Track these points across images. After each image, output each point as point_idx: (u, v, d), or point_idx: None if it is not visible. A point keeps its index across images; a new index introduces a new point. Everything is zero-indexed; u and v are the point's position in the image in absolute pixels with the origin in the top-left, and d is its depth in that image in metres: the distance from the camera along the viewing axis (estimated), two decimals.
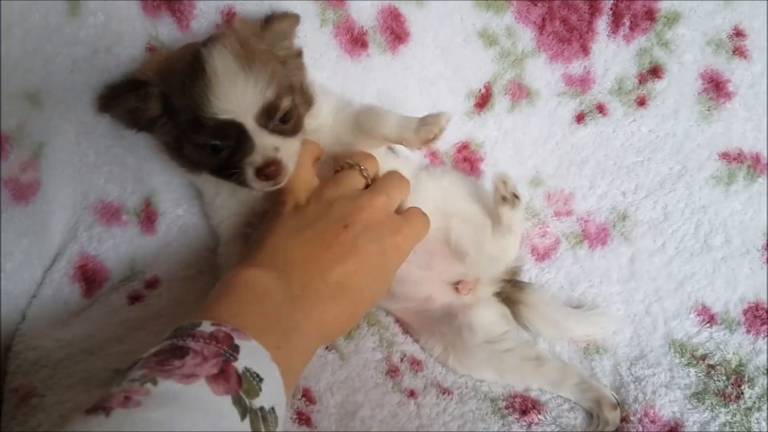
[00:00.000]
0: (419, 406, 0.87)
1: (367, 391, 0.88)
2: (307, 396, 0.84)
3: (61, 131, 0.82)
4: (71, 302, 0.87)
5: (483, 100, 1.05)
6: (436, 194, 0.97)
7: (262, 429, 0.54)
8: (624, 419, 0.87)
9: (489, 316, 0.95)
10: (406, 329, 0.98)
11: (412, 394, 0.89)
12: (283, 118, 0.79)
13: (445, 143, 1.07)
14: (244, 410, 0.52)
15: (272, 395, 0.56)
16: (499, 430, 0.85)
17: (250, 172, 0.77)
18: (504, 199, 0.93)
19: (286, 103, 0.78)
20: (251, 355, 0.56)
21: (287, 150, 0.78)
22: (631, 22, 1.02)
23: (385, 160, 0.93)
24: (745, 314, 0.97)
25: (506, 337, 0.94)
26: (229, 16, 0.92)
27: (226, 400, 0.52)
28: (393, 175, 0.85)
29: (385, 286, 0.79)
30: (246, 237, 0.90)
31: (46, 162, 0.81)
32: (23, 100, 0.77)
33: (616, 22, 1.03)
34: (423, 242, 0.89)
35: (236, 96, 0.74)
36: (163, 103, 0.78)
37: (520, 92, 1.06)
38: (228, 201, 0.91)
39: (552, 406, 0.90)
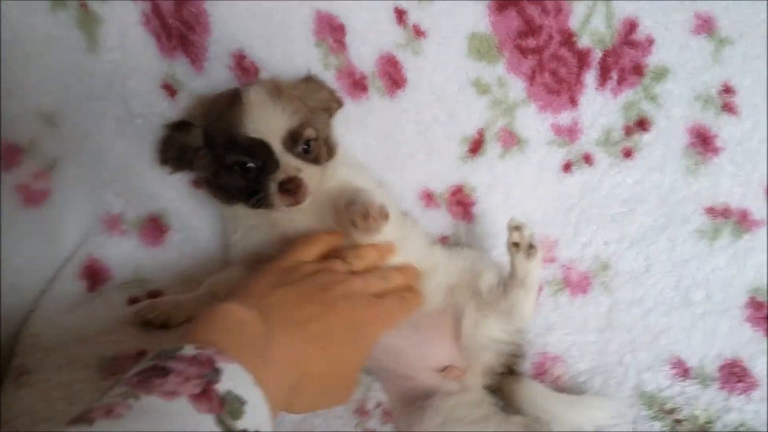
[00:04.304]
0: None
1: (327, 419, 0.91)
2: None
3: (75, 151, 0.94)
4: (76, 295, 0.98)
5: (476, 146, 1.09)
6: (448, 270, 1.00)
7: None
8: None
9: (464, 403, 0.92)
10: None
11: None
12: (306, 147, 0.90)
13: (441, 186, 1.11)
14: (228, 431, 0.53)
15: (256, 418, 0.56)
16: None
17: (273, 187, 0.87)
18: (516, 245, 0.89)
19: (309, 132, 0.90)
20: (234, 378, 0.57)
21: (308, 173, 0.88)
22: (619, 76, 1.04)
23: (402, 227, 1.01)
24: (721, 370, 0.95)
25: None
26: (239, 59, 1.03)
27: (209, 419, 0.52)
28: (380, 271, 0.90)
29: (361, 354, 0.79)
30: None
31: (58, 175, 0.93)
32: (38, 118, 0.89)
33: (603, 76, 1.05)
34: (429, 317, 0.94)
35: (265, 119, 0.87)
36: (204, 135, 0.91)
37: (511, 140, 1.09)
38: (243, 239, 1.00)
39: None
